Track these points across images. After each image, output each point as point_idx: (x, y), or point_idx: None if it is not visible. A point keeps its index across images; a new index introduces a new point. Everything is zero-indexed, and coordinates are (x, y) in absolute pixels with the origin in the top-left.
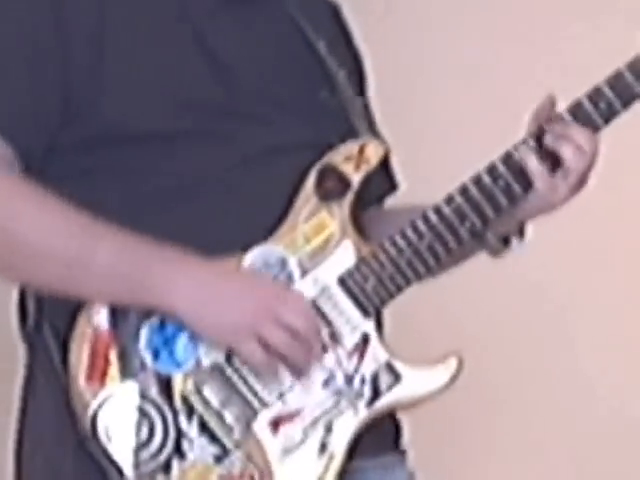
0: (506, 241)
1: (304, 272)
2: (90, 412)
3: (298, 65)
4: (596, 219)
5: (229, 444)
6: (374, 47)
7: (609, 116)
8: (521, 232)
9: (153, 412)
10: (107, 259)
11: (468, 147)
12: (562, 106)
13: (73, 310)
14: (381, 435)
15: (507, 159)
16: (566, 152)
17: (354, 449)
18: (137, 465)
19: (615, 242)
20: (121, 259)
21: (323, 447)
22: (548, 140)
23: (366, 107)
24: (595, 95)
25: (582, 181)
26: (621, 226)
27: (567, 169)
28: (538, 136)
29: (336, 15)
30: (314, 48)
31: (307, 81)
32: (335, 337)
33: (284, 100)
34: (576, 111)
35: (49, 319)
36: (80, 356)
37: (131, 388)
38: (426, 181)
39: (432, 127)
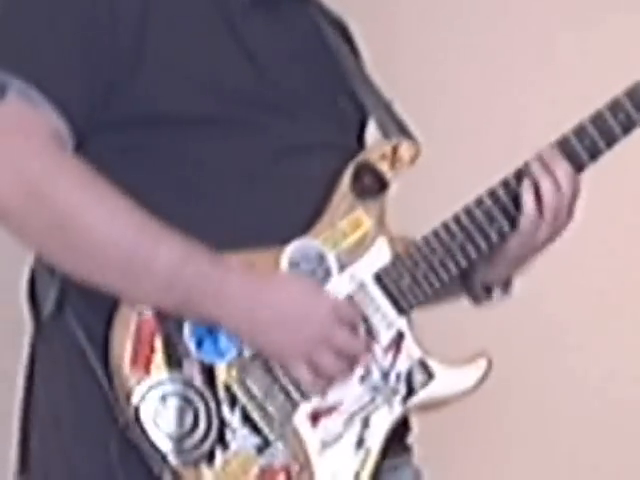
0: (489, 291)
1: (342, 267)
2: (135, 399)
3: (319, 70)
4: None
5: (271, 435)
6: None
7: (595, 153)
8: (506, 286)
9: (197, 401)
10: (167, 264)
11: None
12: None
13: (99, 296)
14: (394, 436)
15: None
16: (544, 184)
17: (387, 447)
18: (181, 453)
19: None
20: (181, 268)
21: (360, 442)
22: (535, 167)
23: (394, 111)
24: (580, 132)
25: (558, 219)
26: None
27: (543, 203)
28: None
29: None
30: (335, 55)
31: (327, 86)
32: (371, 333)
33: (308, 100)
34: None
35: (72, 303)
36: (124, 342)
37: (176, 376)
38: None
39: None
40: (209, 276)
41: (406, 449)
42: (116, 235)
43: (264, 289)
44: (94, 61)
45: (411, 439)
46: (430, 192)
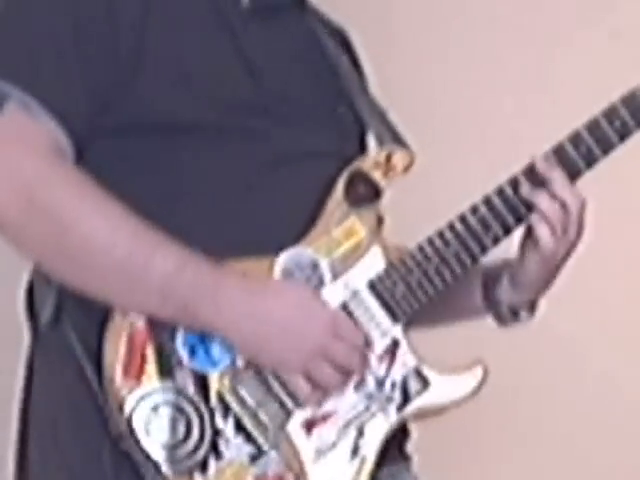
0: (516, 313)
1: (335, 275)
2: (127, 409)
3: (318, 79)
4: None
5: (264, 444)
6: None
7: (590, 160)
8: (532, 308)
9: (190, 410)
10: (161, 274)
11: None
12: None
13: (96, 306)
14: (391, 443)
15: (529, 172)
16: (542, 202)
17: (384, 455)
18: (174, 463)
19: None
20: (176, 277)
21: (355, 450)
22: (525, 191)
23: (388, 120)
24: (575, 139)
25: (568, 233)
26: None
27: (550, 223)
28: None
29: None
30: (334, 64)
31: (326, 95)
32: (366, 341)
33: (306, 107)
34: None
35: (69, 314)
36: (116, 352)
37: (168, 386)
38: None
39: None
40: (205, 286)
41: (405, 457)
42: (111, 245)
43: (261, 299)
44: (94, 69)
45: (410, 447)
46: (425, 200)
